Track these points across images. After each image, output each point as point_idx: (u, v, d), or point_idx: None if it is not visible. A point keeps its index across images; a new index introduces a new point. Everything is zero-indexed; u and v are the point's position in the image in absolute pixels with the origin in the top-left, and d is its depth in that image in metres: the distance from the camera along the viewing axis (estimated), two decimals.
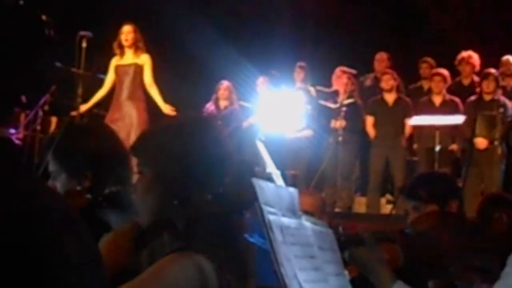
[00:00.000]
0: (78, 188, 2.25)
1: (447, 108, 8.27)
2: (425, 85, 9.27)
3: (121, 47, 8.10)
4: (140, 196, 1.85)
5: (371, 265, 2.41)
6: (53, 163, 2.36)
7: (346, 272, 2.24)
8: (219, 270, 1.70)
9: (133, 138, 6.90)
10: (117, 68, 8.15)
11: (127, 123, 7.73)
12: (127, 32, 8.05)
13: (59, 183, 2.34)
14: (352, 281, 2.16)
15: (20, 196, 1.12)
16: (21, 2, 1.31)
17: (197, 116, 2.08)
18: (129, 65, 8.08)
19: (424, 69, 9.34)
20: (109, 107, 8.25)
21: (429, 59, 9.36)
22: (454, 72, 8.86)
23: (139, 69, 8.04)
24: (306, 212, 2.18)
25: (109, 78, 8.22)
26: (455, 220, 2.62)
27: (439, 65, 8.92)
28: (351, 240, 2.43)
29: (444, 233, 2.44)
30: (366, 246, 2.42)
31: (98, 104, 8.73)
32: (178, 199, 1.75)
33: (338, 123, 8.56)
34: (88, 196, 2.21)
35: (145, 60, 8.08)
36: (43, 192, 1.19)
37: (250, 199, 1.74)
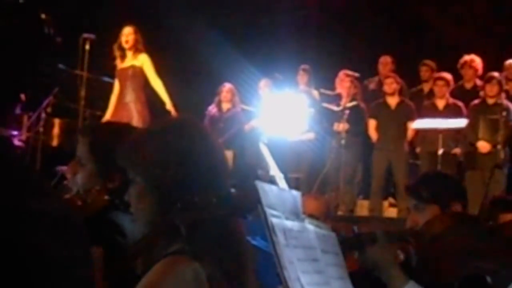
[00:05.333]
0: (98, 187, 2.23)
1: (450, 111, 8.27)
2: (425, 88, 9.27)
3: (122, 49, 8.11)
4: (135, 203, 1.82)
5: (383, 264, 2.40)
6: (88, 152, 2.32)
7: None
8: (211, 277, 1.69)
9: None
10: (119, 72, 8.17)
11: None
12: (127, 34, 8.05)
13: (84, 173, 2.31)
14: (349, 276, 2.16)
15: (11, 195, 1.12)
16: (21, 1, 1.31)
17: (183, 118, 2.03)
18: (127, 68, 8.10)
19: (424, 72, 9.34)
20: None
21: (429, 62, 9.34)
22: (457, 76, 8.85)
23: (137, 70, 8.06)
24: (311, 216, 2.18)
25: (116, 84, 8.25)
26: (470, 223, 2.59)
27: (442, 69, 8.91)
28: (365, 239, 2.43)
29: (458, 235, 2.42)
30: (379, 245, 2.41)
31: (102, 107, 8.74)
32: (181, 202, 1.74)
33: (341, 126, 8.56)
34: (106, 197, 2.19)
35: (142, 60, 8.09)
36: (36, 191, 1.18)
37: (254, 202, 1.73)
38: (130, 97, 8.07)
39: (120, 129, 2.51)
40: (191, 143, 1.79)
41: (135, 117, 7.95)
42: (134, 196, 1.82)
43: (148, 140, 1.83)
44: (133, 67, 8.06)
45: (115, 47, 8.12)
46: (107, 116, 8.15)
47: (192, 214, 1.72)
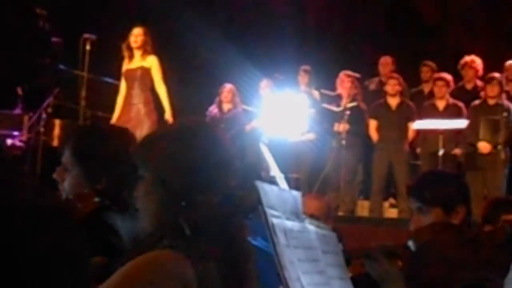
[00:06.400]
0: (86, 191, 2.24)
1: (451, 112, 8.27)
2: (426, 88, 9.27)
3: (130, 49, 8.08)
4: (141, 200, 1.85)
5: (383, 280, 2.39)
6: (71, 158, 2.34)
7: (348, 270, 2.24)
8: (204, 277, 1.69)
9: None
10: (126, 72, 8.13)
11: (136, 125, 7.71)
12: (137, 35, 8.02)
13: (70, 179, 2.32)
14: (352, 281, 2.16)
15: (3, 191, 1.12)
16: None
17: (198, 120, 2.09)
18: (136, 69, 8.06)
19: (425, 73, 9.33)
20: (113, 110, 8.25)
21: (430, 63, 9.35)
22: (457, 77, 8.86)
23: (145, 72, 8.02)
24: (311, 216, 2.18)
25: (123, 85, 8.21)
26: (455, 232, 2.57)
27: (442, 69, 8.92)
28: (360, 257, 2.43)
29: (443, 246, 2.41)
30: (376, 260, 2.40)
31: (102, 107, 8.74)
32: (186, 200, 1.75)
33: (342, 127, 8.56)
34: (96, 199, 2.20)
35: (151, 62, 8.06)
36: (28, 188, 1.18)
37: (256, 202, 1.74)
38: (138, 98, 8.04)
39: (101, 130, 2.54)
40: (203, 145, 1.82)
41: (144, 118, 7.93)
42: (141, 192, 1.85)
43: (161, 140, 1.87)
44: (142, 68, 8.03)
45: (124, 46, 8.08)
46: (114, 117, 8.12)
47: (196, 212, 1.73)
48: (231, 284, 1.72)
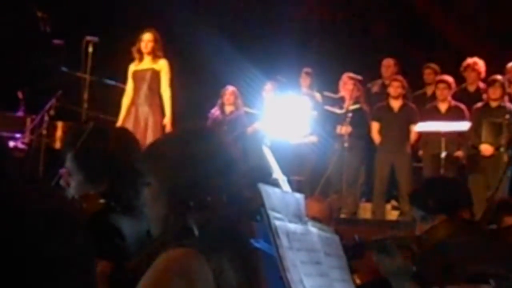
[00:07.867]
0: (92, 192, 2.25)
1: (453, 114, 8.26)
2: (429, 91, 9.27)
3: (140, 53, 8.09)
4: (149, 205, 1.88)
5: (395, 274, 2.39)
6: (72, 162, 2.36)
7: (355, 277, 2.24)
8: (219, 275, 1.69)
9: (149, 141, 6.94)
10: (135, 73, 8.14)
11: (142, 127, 7.72)
12: (147, 41, 8.03)
13: (74, 182, 2.34)
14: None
15: (7, 193, 1.11)
16: None
17: (199, 125, 2.14)
18: (146, 70, 8.07)
19: (427, 75, 9.33)
20: (115, 112, 8.25)
21: (433, 65, 9.34)
22: (460, 79, 8.85)
23: (155, 74, 8.03)
24: (314, 219, 2.18)
25: (130, 85, 8.20)
26: (472, 229, 2.57)
27: (445, 71, 8.91)
28: (374, 247, 2.42)
29: (460, 241, 2.40)
30: (390, 253, 2.40)
31: (105, 110, 8.73)
32: (194, 201, 1.76)
33: (344, 129, 8.55)
34: (102, 201, 2.21)
35: (162, 65, 8.08)
36: (33, 190, 1.18)
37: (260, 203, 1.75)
38: (145, 99, 8.05)
39: (101, 133, 2.55)
40: (206, 148, 1.84)
41: (150, 120, 7.94)
42: (149, 198, 1.88)
43: (165, 147, 1.90)
44: (152, 70, 8.04)
45: (134, 50, 8.10)
46: (120, 118, 8.13)
47: (205, 213, 1.74)
48: (244, 280, 1.73)
